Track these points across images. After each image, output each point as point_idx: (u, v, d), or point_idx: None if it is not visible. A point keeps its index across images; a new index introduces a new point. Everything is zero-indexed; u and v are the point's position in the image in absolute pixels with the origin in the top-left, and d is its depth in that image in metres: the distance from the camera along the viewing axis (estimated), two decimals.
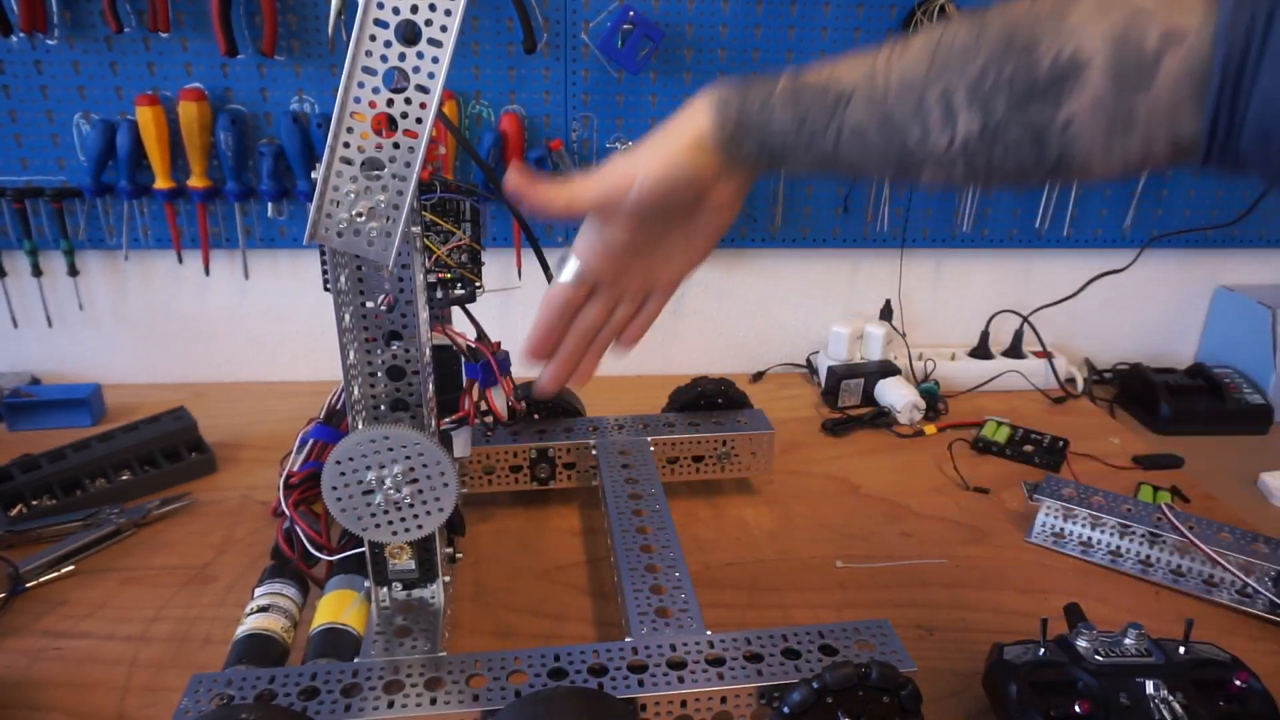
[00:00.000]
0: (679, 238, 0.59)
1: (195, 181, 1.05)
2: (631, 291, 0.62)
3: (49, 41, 1.00)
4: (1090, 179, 0.45)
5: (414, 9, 0.47)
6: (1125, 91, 0.39)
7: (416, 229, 0.56)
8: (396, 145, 0.49)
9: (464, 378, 0.71)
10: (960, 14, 0.46)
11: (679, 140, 0.53)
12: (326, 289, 0.57)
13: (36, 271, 1.09)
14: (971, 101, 0.42)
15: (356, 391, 0.58)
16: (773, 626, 0.63)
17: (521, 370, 0.76)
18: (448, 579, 0.67)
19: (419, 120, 0.49)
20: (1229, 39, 0.36)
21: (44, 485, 0.87)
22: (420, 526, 0.60)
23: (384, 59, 0.47)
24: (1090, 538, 0.85)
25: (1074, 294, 1.23)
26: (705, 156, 0.53)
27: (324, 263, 0.59)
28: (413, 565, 0.65)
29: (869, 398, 1.15)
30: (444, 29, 0.47)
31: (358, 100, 0.48)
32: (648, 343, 1.27)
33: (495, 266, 1.16)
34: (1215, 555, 0.77)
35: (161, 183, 1.04)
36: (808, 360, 1.28)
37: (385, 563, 0.65)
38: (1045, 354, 1.24)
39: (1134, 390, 1.20)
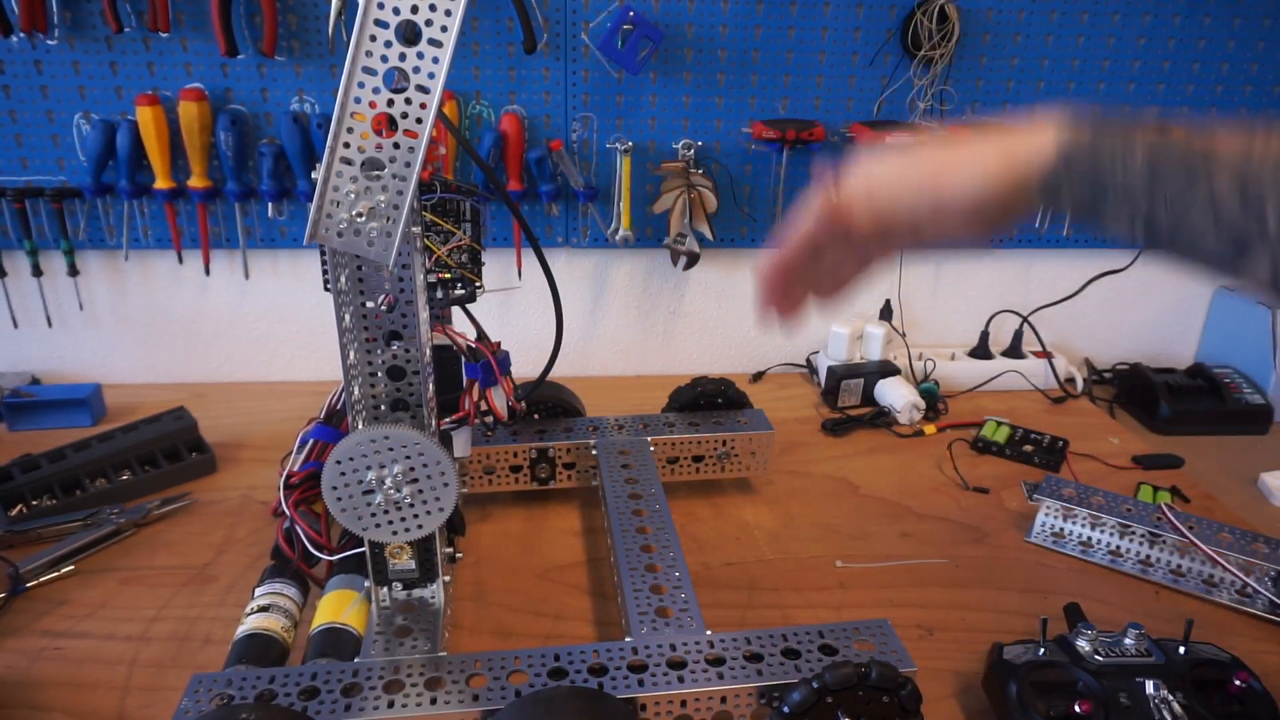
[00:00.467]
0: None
1: (195, 181, 1.05)
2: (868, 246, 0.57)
3: (49, 41, 1.00)
4: None
5: (414, 9, 0.47)
6: None
7: (416, 229, 0.56)
8: (396, 145, 0.49)
9: (464, 378, 0.71)
10: None
11: (1006, 170, 0.48)
12: (326, 289, 0.57)
13: (36, 271, 1.09)
14: None
15: (356, 391, 0.58)
16: (773, 626, 0.63)
17: (521, 370, 0.76)
18: (448, 579, 0.67)
19: (419, 120, 0.49)
20: None
21: (44, 485, 0.87)
22: (420, 526, 0.60)
23: (384, 59, 0.47)
24: (1090, 538, 0.85)
25: (1074, 294, 1.23)
26: (1026, 194, 0.48)
27: (324, 263, 0.59)
28: (413, 565, 0.65)
29: (869, 398, 1.15)
30: (444, 29, 0.47)
31: (358, 100, 0.48)
32: (648, 343, 1.28)
33: (495, 266, 1.16)
34: (1215, 555, 0.77)
35: (161, 183, 1.04)
36: (808, 360, 1.28)
37: (385, 563, 0.65)
38: (1045, 354, 1.24)
39: (1134, 390, 1.20)
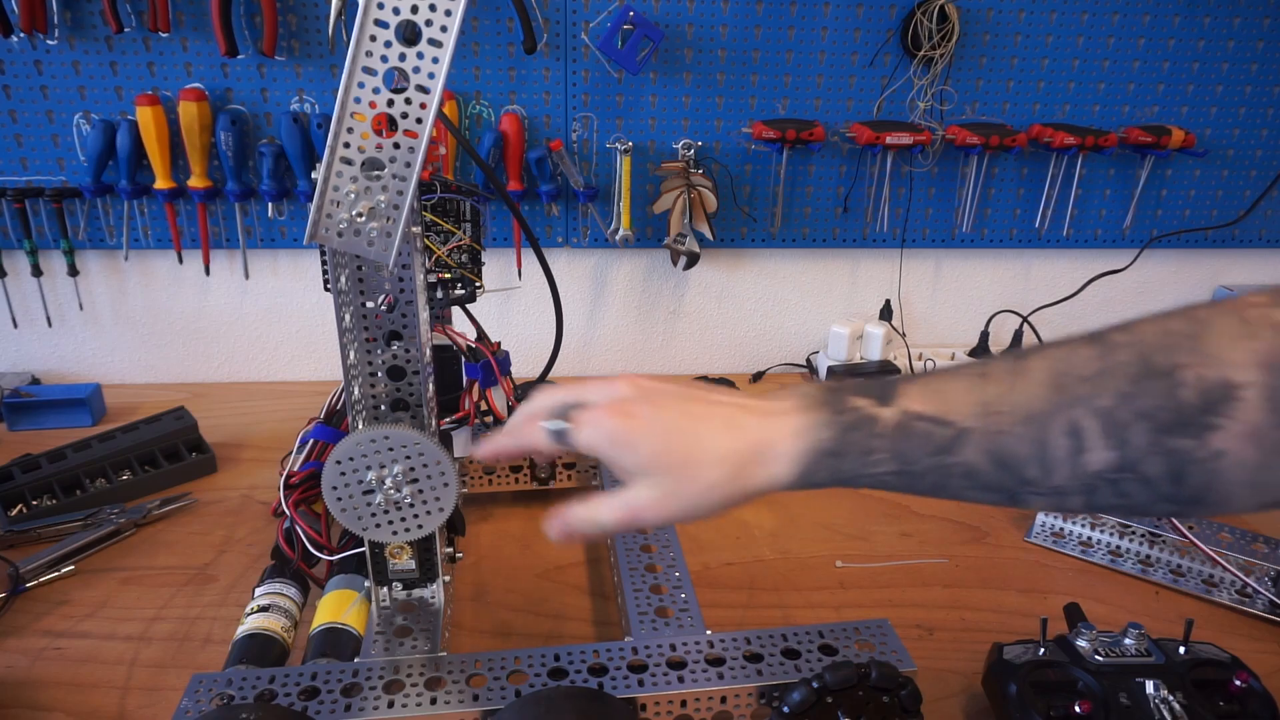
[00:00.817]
0: None
1: (195, 181, 1.05)
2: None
3: (49, 41, 1.00)
4: (1218, 515, 0.41)
5: (414, 9, 0.47)
6: None
7: (416, 229, 0.56)
8: (397, 145, 0.49)
9: (464, 378, 0.71)
10: (1073, 338, 0.39)
11: (737, 496, 0.45)
12: (327, 289, 0.57)
13: (36, 271, 1.09)
14: (1107, 433, 0.37)
15: (357, 391, 0.58)
16: (773, 626, 0.63)
17: (521, 370, 0.76)
18: (448, 579, 0.67)
19: (419, 120, 0.49)
20: None
21: (44, 485, 0.87)
22: (420, 526, 0.60)
23: (384, 59, 0.47)
24: (1090, 537, 0.85)
25: (1074, 294, 1.23)
26: (770, 491, 0.45)
27: (324, 263, 0.59)
28: (413, 565, 0.65)
29: None
30: (444, 29, 0.47)
31: (358, 100, 0.48)
32: (648, 343, 1.28)
33: (495, 266, 1.16)
34: (1215, 555, 0.77)
35: (162, 183, 1.04)
36: (808, 360, 1.28)
37: (385, 563, 0.65)
38: None
39: None
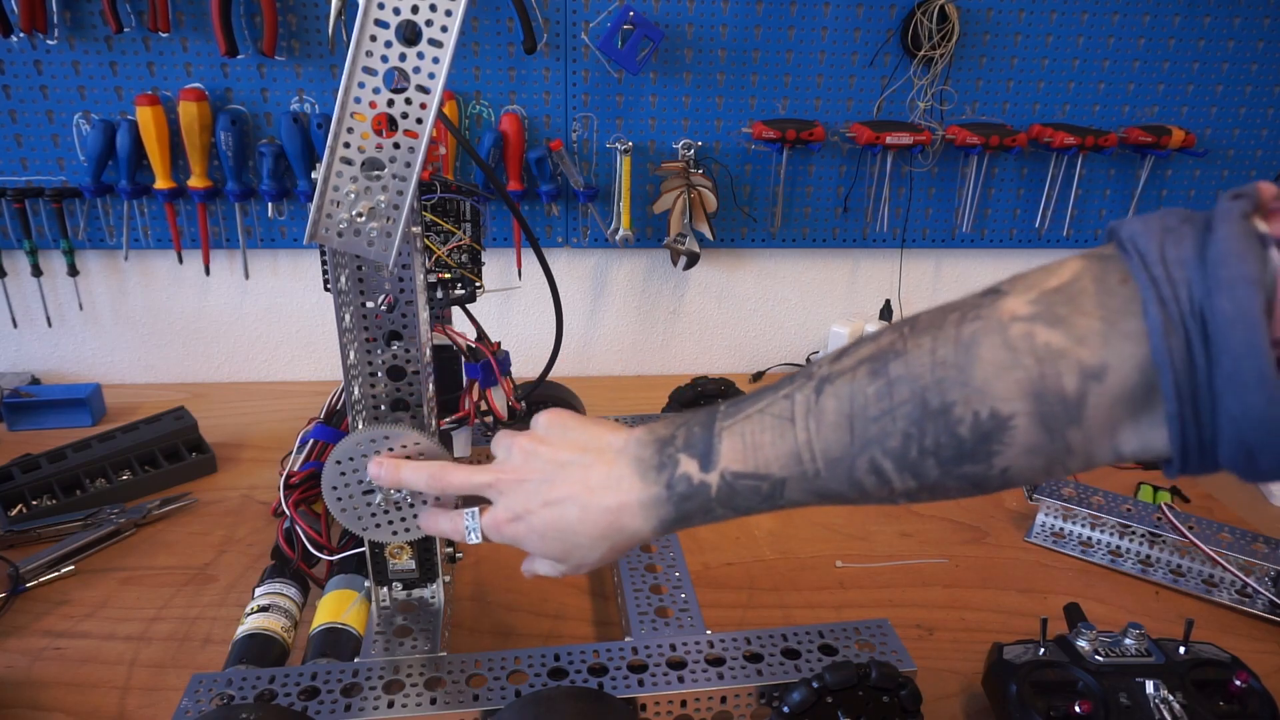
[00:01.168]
0: None
1: (195, 181, 1.05)
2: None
3: (49, 41, 1.00)
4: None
5: (414, 9, 0.47)
6: (1056, 433, 0.37)
7: (416, 229, 0.56)
8: (397, 145, 0.49)
9: (464, 378, 0.71)
10: (859, 364, 0.42)
11: (621, 548, 0.51)
12: (327, 289, 0.57)
13: (36, 271, 1.09)
14: (901, 469, 0.41)
15: (357, 391, 0.58)
16: (773, 626, 0.63)
17: (521, 370, 0.76)
18: (448, 579, 0.67)
19: (419, 120, 0.49)
20: (1172, 366, 0.34)
21: (44, 485, 0.87)
22: (420, 527, 0.60)
23: (384, 59, 0.47)
24: (1090, 538, 0.85)
25: None
26: (623, 549, 0.51)
27: (324, 263, 0.59)
28: (413, 565, 0.65)
29: None
30: (444, 29, 0.47)
31: (358, 100, 0.48)
32: (647, 343, 1.28)
33: (495, 266, 1.16)
34: (1215, 555, 0.77)
35: (161, 183, 1.04)
36: (808, 360, 1.28)
37: (385, 563, 0.65)
38: None
39: None
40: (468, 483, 0.54)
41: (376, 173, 0.50)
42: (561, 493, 0.50)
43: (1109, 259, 0.37)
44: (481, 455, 0.87)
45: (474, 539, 0.54)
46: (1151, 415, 0.36)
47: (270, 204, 1.09)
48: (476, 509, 0.55)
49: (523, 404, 0.77)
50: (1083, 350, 0.36)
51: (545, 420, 0.53)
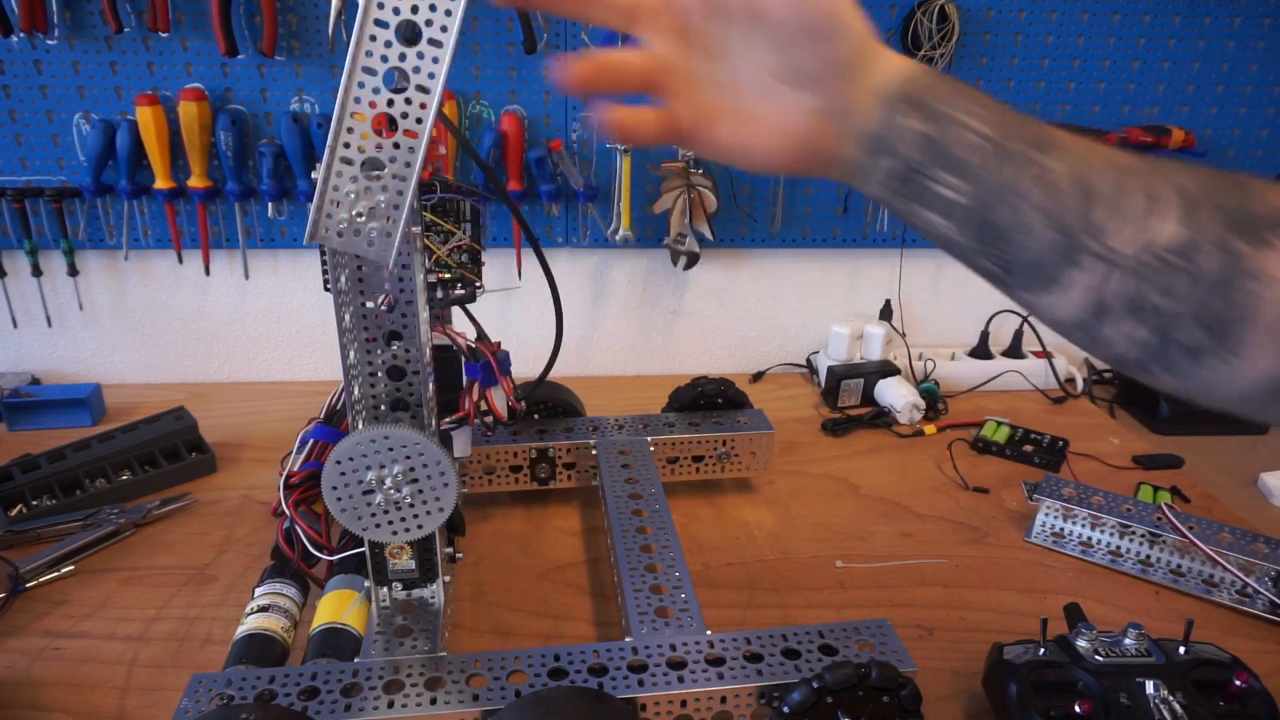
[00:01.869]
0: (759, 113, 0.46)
1: (195, 181, 1.05)
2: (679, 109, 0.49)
3: (49, 41, 1.00)
4: (1227, 367, 0.39)
5: (414, 9, 0.46)
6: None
7: (416, 229, 0.56)
8: (396, 145, 0.49)
9: (464, 378, 0.71)
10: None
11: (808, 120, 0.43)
12: (327, 289, 0.57)
13: (36, 271, 1.09)
14: (1181, 207, 0.38)
15: (356, 391, 0.58)
16: (773, 626, 0.63)
17: (521, 370, 0.76)
18: (448, 579, 0.67)
19: (419, 120, 0.49)
20: None
21: (44, 485, 0.87)
22: (420, 526, 0.60)
23: (384, 59, 0.47)
24: (1090, 538, 0.85)
25: None
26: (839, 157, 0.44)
27: (324, 263, 0.59)
28: (413, 565, 0.65)
29: (869, 398, 1.15)
30: (444, 29, 0.47)
31: (358, 100, 0.48)
32: (648, 343, 1.28)
33: (495, 266, 1.16)
34: (1215, 555, 0.77)
35: (161, 183, 1.04)
36: (808, 360, 1.28)
37: (385, 563, 0.65)
38: (1045, 354, 1.23)
39: (1134, 390, 1.20)
40: None
41: (376, 173, 0.50)
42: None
43: None
44: (481, 455, 0.87)
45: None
46: None
47: (270, 204, 1.09)
48: None
49: (523, 404, 0.77)
50: None
51: None
